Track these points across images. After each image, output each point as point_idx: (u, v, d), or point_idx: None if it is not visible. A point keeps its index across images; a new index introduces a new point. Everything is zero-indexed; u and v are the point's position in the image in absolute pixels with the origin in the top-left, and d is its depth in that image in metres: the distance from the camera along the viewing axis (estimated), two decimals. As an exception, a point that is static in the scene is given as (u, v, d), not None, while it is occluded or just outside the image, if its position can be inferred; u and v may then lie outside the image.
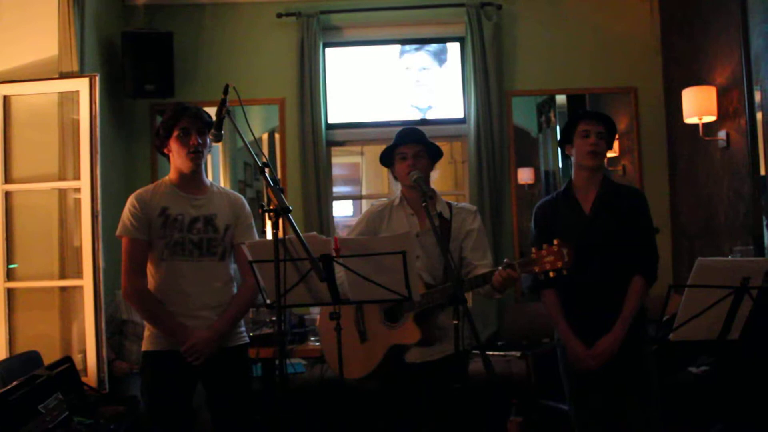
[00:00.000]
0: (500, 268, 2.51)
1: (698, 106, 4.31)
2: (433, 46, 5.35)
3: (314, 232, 2.34)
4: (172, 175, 2.85)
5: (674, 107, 4.89)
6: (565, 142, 2.93)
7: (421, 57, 5.36)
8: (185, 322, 2.73)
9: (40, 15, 3.96)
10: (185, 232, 2.76)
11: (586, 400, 2.83)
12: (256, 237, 2.89)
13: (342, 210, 8.11)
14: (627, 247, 2.75)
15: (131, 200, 2.79)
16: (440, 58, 5.36)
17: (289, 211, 2.18)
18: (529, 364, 4.20)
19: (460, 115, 5.28)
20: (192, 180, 2.82)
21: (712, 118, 4.32)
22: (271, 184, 2.25)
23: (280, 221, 2.17)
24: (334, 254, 2.25)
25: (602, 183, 2.86)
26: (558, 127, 5.45)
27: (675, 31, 5.03)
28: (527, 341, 4.52)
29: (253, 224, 2.93)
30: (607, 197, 2.83)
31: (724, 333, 2.38)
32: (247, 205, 2.94)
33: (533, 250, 2.52)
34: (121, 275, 2.76)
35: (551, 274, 2.48)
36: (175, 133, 2.74)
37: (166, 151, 2.81)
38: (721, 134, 4.27)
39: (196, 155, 2.75)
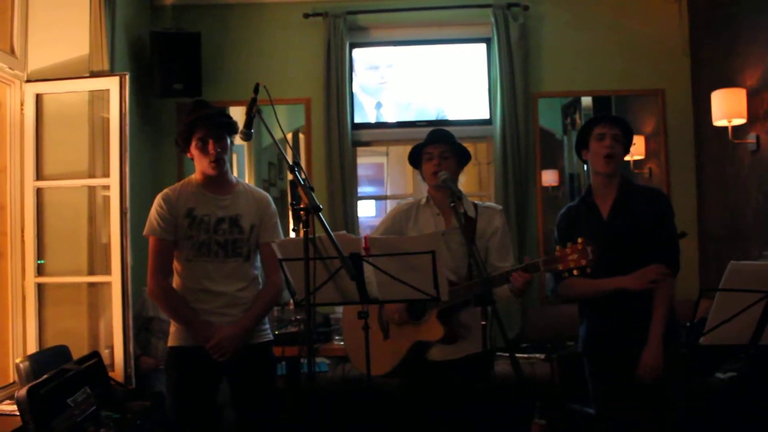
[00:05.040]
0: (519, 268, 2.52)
1: (728, 108, 4.25)
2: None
3: (344, 231, 2.36)
4: (197, 175, 2.88)
5: (703, 110, 4.83)
6: (581, 146, 2.89)
7: (440, 51, 5.35)
8: (210, 320, 2.76)
9: (72, 15, 4.00)
10: (211, 233, 2.79)
11: (612, 404, 2.81)
12: (281, 236, 2.90)
13: (365, 210, 8.08)
14: (648, 248, 2.71)
15: (158, 200, 2.82)
16: (457, 55, 5.34)
17: (320, 209, 2.20)
18: (554, 367, 4.18)
19: (485, 116, 5.26)
20: (217, 180, 2.85)
21: (741, 121, 4.26)
22: (302, 183, 2.26)
23: (310, 219, 2.19)
24: (363, 253, 2.26)
25: (620, 186, 2.82)
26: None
27: (704, 32, 4.98)
28: (551, 344, 4.50)
29: (278, 223, 2.94)
30: (625, 201, 2.80)
31: (755, 338, 2.35)
32: (272, 204, 2.96)
33: (557, 248, 2.53)
34: (147, 274, 2.80)
35: (575, 272, 2.47)
36: (194, 142, 2.77)
37: (188, 155, 2.84)
38: (751, 137, 4.21)
39: (218, 164, 2.78)
